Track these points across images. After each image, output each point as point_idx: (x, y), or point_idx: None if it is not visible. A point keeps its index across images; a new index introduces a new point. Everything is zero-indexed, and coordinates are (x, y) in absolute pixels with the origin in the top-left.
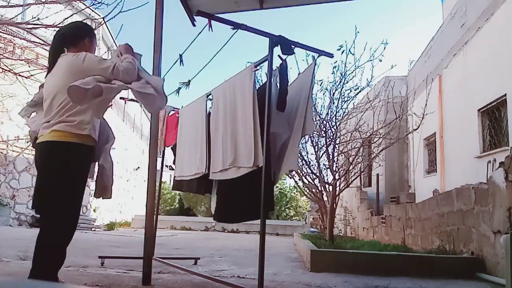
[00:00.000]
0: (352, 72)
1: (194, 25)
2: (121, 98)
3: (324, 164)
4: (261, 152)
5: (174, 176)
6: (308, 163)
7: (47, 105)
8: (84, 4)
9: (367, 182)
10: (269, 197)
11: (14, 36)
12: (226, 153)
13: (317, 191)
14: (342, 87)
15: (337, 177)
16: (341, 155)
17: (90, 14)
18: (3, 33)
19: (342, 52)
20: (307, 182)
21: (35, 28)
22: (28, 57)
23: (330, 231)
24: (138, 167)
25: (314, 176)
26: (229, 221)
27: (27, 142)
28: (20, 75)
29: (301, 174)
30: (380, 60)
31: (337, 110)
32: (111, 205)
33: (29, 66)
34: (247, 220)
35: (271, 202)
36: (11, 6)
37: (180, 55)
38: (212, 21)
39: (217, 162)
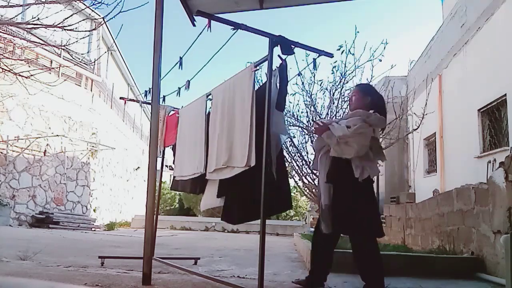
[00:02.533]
0: (352, 72)
1: (194, 25)
2: (121, 98)
3: None
4: (254, 152)
5: (174, 176)
6: (308, 163)
7: None
8: (84, 4)
9: None
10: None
11: (14, 36)
12: (221, 152)
13: (317, 191)
14: (342, 87)
15: None
16: None
17: (90, 14)
18: (3, 33)
19: (342, 52)
20: (307, 182)
21: (35, 28)
22: (28, 57)
23: None
24: (138, 167)
25: (314, 176)
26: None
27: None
28: (20, 75)
29: (301, 174)
30: (380, 60)
31: (337, 110)
32: (111, 205)
33: (29, 66)
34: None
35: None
36: (11, 6)
37: (180, 58)
38: (212, 21)
39: (212, 162)
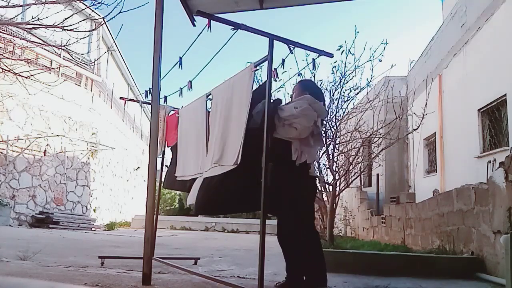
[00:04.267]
0: (352, 72)
1: (194, 25)
2: (121, 98)
3: (324, 164)
4: (240, 151)
5: (175, 176)
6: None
7: None
8: (84, 4)
9: (367, 182)
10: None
11: (14, 36)
12: (216, 151)
13: (317, 191)
14: (342, 87)
15: (337, 177)
16: (341, 155)
17: (90, 14)
18: (3, 33)
19: (342, 52)
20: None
21: (35, 28)
22: (28, 57)
23: (330, 231)
24: (138, 167)
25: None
26: (213, 213)
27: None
28: (20, 75)
29: None
30: (380, 60)
31: (337, 110)
32: (111, 205)
33: (29, 66)
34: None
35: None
36: (11, 6)
37: (180, 58)
38: (212, 21)
39: (209, 160)
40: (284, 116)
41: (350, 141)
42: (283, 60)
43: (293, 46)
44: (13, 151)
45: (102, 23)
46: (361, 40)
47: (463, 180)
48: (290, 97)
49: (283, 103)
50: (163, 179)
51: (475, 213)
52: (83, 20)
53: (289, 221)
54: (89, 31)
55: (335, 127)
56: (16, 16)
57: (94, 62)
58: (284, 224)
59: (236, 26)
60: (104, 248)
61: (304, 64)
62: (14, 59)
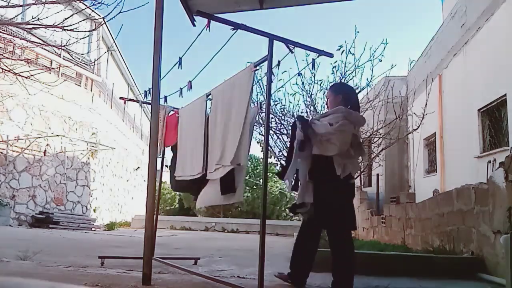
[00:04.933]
0: (352, 72)
1: (194, 25)
2: (120, 98)
3: None
4: (244, 150)
5: (174, 176)
6: None
7: None
8: (84, 4)
9: (367, 182)
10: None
11: (14, 36)
12: (218, 151)
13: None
14: None
15: None
16: None
17: (90, 14)
18: (3, 33)
19: (342, 52)
20: None
21: (35, 28)
22: (28, 57)
23: None
24: (138, 167)
25: None
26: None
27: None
28: (20, 75)
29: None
30: (380, 60)
31: None
32: (111, 205)
33: (29, 66)
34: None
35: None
36: (11, 6)
37: (180, 58)
38: (212, 21)
39: (212, 162)
40: (321, 133)
41: None
42: (279, 62)
43: (293, 46)
44: (13, 151)
45: (102, 23)
46: (361, 40)
47: (463, 180)
48: (326, 104)
49: (305, 113)
50: (169, 182)
51: (475, 213)
52: (83, 20)
53: (340, 233)
54: (89, 31)
55: None
56: (16, 16)
57: (94, 62)
58: (337, 236)
59: (236, 26)
60: (104, 248)
61: (304, 64)
62: (14, 59)
